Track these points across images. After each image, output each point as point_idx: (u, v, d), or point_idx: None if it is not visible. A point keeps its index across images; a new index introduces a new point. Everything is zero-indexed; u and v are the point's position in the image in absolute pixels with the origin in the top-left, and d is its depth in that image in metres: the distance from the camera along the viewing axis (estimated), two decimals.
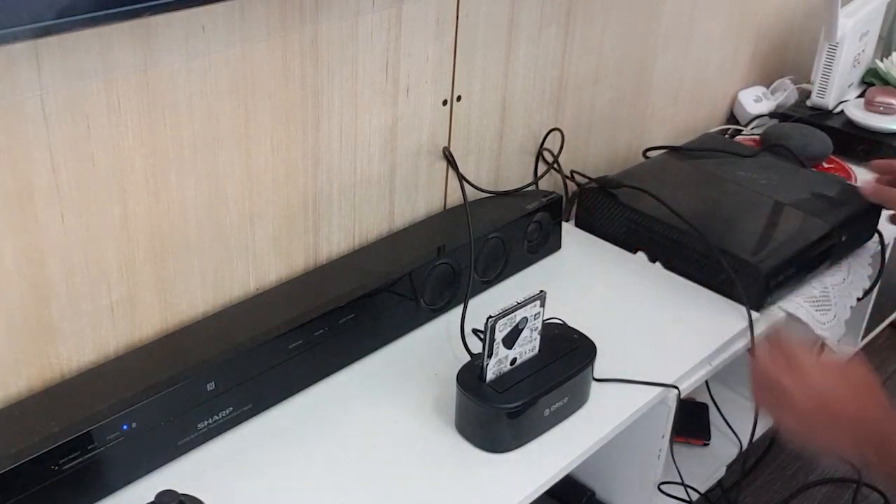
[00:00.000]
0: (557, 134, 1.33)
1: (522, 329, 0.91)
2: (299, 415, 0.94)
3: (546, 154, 1.32)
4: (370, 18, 1.00)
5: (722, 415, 1.31)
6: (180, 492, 0.76)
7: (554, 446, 0.91)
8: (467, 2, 1.10)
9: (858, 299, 1.27)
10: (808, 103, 1.65)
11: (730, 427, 1.29)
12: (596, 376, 0.98)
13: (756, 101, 1.68)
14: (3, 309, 0.82)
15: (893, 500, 1.54)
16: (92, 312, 0.88)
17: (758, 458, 1.31)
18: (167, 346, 0.92)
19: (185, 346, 0.91)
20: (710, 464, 1.26)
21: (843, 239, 1.24)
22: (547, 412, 0.91)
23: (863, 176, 1.50)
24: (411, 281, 1.04)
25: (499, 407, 0.88)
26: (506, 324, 0.88)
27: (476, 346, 0.99)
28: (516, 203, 1.19)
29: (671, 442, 1.07)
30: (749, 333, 1.10)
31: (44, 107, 0.77)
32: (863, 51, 1.67)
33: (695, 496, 1.20)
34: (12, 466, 0.75)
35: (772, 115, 1.66)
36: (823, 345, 1.31)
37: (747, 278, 1.12)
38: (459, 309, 1.08)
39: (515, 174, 1.30)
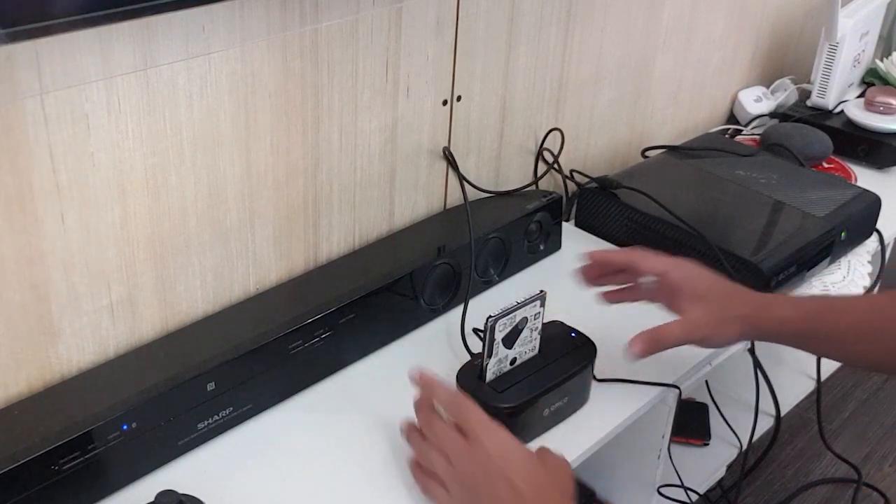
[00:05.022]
0: (557, 134, 1.33)
1: (522, 329, 0.91)
2: (299, 415, 0.94)
3: (546, 154, 1.32)
4: (370, 18, 1.00)
5: (722, 415, 1.31)
6: (180, 492, 0.76)
7: (554, 446, 0.91)
8: (467, 2, 1.10)
9: None
10: (808, 103, 1.65)
11: (730, 427, 1.29)
12: (596, 376, 0.98)
13: (756, 101, 1.68)
14: (3, 309, 0.82)
15: (894, 501, 1.54)
16: (92, 312, 0.88)
17: (758, 458, 1.31)
18: (167, 346, 0.92)
19: (185, 346, 0.91)
20: (710, 464, 1.26)
21: (843, 237, 1.24)
22: (546, 412, 0.91)
23: (863, 176, 1.50)
24: (411, 281, 1.04)
25: (498, 407, 0.88)
26: (506, 324, 0.88)
27: (476, 345, 0.99)
28: (516, 203, 1.19)
29: (671, 442, 1.07)
30: None
31: (44, 107, 0.77)
32: (863, 51, 1.67)
33: (694, 497, 1.20)
34: (12, 466, 0.75)
35: (772, 115, 1.66)
36: None
37: (748, 277, 1.12)
38: (459, 309, 1.08)
39: (515, 174, 1.30)
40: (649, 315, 1.12)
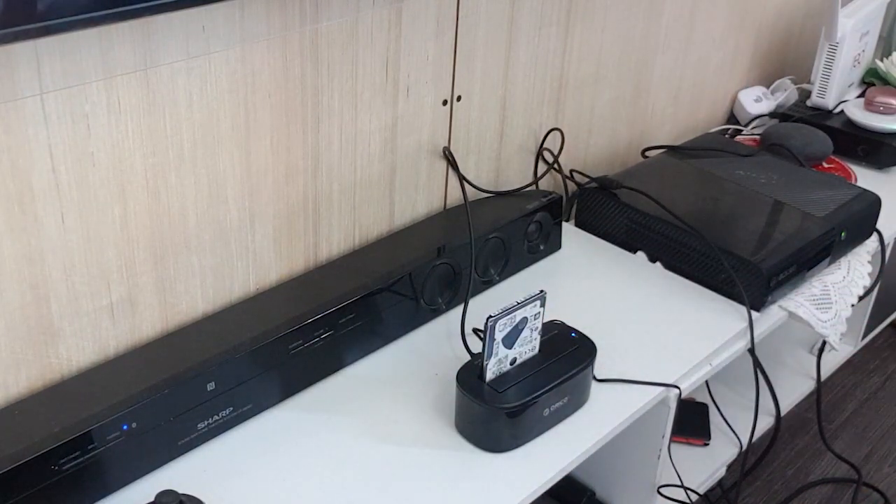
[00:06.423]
0: (557, 134, 1.33)
1: (522, 329, 0.91)
2: (299, 415, 0.94)
3: (546, 154, 1.32)
4: (370, 18, 1.00)
5: (722, 415, 1.31)
6: (180, 492, 0.76)
7: (554, 446, 0.91)
8: (467, 2, 1.10)
9: (860, 297, 1.27)
10: (808, 103, 1.65)
11: (730, 427, 1.30)
12: (596, 376, 0.98)
13: (756, 101, 1.68)
14: (3, 309, 0.82)
15: (894, 501, 1.54)
16: (92, 312, 0.88)
17: (758, 458, 1.31)
18: (167, 346, 0.92)
19: (185, 346, 0.91)
20: (710, 464, 1.26)
21: (843, 237, 1.24)
22: (546, 412, 0.91)
23: (863, 176, 1.50)
24: (411, 281, 1.04)
25: (498, 407, 0.88)
26: (506, 324, 0.88)
27: (476, 345, 0.99)
28: (516, 203, 1.19)
29: (671, 442, 1.07)
30: (749, 333, 1.10)
31: (44, 107, 0.77)
32: (863, 51, 1.67)
33: (694, 497, 1.20)
34: (12, 466, 0.75)
35: (772, 115, 1.66)
36: (825, 343, 1.31)
37: (748, 277, 1.13)
38: (459, 309, 1.08)
39: (515, 174, 1.30)
40: (649, 315, 1.12)
